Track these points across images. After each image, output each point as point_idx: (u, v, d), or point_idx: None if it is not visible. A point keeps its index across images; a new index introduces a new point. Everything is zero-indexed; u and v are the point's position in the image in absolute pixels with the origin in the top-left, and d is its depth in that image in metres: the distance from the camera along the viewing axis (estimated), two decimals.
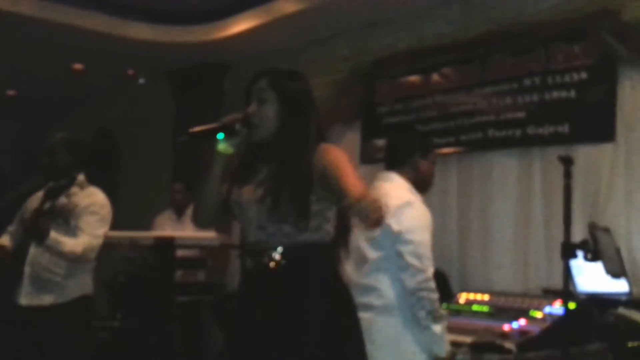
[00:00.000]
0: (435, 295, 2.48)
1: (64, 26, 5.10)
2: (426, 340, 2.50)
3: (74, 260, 3.06)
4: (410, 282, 2.46)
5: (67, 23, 5.10)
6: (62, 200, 3.11)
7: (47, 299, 3.09)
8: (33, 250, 3.11)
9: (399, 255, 2.49)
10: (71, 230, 3.08)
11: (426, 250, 2.50)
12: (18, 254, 3.21)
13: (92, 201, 3.15)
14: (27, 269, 3.12)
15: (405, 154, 2.72)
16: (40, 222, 2.98)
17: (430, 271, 2.49)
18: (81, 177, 3.21)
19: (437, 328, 2.48)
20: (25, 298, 3.11)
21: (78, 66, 6.05)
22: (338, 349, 1.92)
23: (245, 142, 2.01)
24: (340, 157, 1.92)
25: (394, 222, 2.50)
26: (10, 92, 6.97)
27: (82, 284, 3.17)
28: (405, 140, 2.84)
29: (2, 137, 8.45)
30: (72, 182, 3.15)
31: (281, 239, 1.93)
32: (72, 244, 3.03)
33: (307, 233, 1.93)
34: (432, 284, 2.48)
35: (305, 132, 1.97)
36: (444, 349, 2.51)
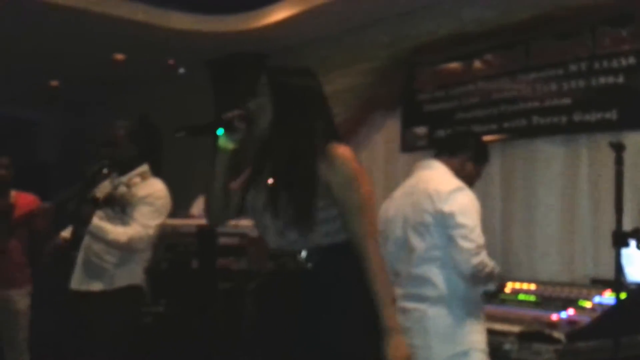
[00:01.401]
0: (490, 267, 2.48)
1: (105, 17, 5.17)
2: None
3: (120, 248, 3.05)
4: (467, 267, 2.43)
5: (109, 14, 5.16)
6: (122, 189, 3.10)
7: (95, 285, 3.11)
8: (87, 237, 3.15)
9: (451, 239, 2.46)
10: (127, 219, 3.06)
11: (479, 235, 2.47)
12: (76, 240, 3.27)
13: (148, 192, 3.10)
14: (80, 255, 3.16)
15: (461, 147, 2.72)
16: (83, 209, 2.99)
17: (484, 253, 2.47)
18: (143, 168, 3.18)
19: (492, 285, 2.56)
20: (76, 282, 3.16)
21: (119, 56, 6.13)
22: (357, 349, 1.89)
23: (246, 138, 1.97)
24: (349, 181, 1.88)
25: (446, 207, 2.48)
26: (54, 83, 7.10)
27: (132, 274, 3.14)
28: (467, 137, 2.86)
29: (46, 127, 8.65)
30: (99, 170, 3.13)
31: (303, 245, 1.91)
32: (117, 232, 3.02)
33: (330, 236, 1.91)
34: (486, 259, 2.47)
35: (303, 130, 1.92)
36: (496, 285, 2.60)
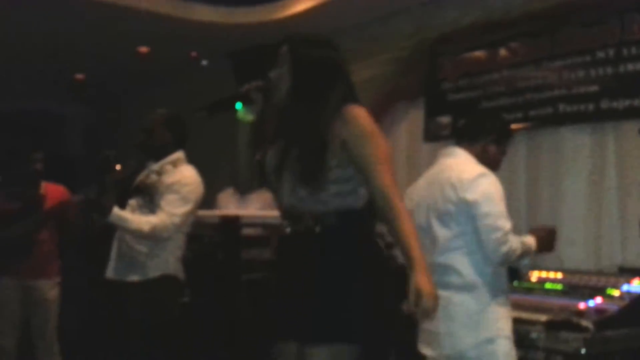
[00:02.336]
0: (519, 250, 2.48)
1: (130, 10, 5.21)
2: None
3: (144, 238, 3.03)
4: (496, 255, 2.42)
5: (133, 7, 5.20)
6: (153, 177, 3.09)
7: (128, 275, 3.12)
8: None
9: (478, 230, 2.45)
10: (155, 208, 3.04)
11: (505, 221, 2.45)
12: (109, 230, 3.30)
13: (175, 180, 3.07)
14: (114, 244, 3.17)
15: (481, 133, 2.68)
16: (103, 199, 2.98)
17: (512, 238, 2.46)
18: (177, 155, 3.16)
19: (525, 260, 2.57)
20: (111, 272, 3.18)
21: (144, 49, 6.17)
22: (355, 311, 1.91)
23: (265, 107, 2.04)
24: (365, 135, 1.91)
25: (469, 195, 2.46)
26: (79, 76, 7.18)
27: (164, 263, 3.11)
28: (486, 120, 2.80)
29: (72, 121, 8.76)
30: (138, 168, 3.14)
31: (314, 204, 1.94)
32: (140, 221, 3.00)
33: (340, 198, 1.94)
34: (515, 244, 2.46)
35: (317, 96, 1.97)
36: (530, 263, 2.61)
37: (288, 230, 2.02)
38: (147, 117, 3.22)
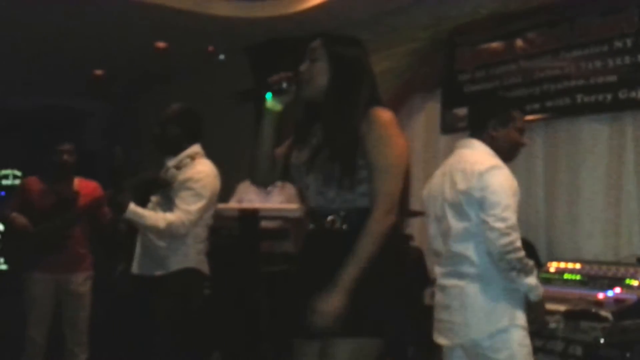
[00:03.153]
0: (521, 253, 2.40)
1: (147, 5, 5.25)
2: (523, 291, 2.45)
3: (160, 234, 3.05)
4: (495, 246, 2.38)
5: (151, 2, 5.23)
6: (172, 172, 3.10)
7: (151, 270, 3.15)
8: None
9: (482, 218, 2.42)
10: (172, 205, 3.06)
11: (511, 215, 2.41)
12: (122, 227, 3.36)
13: (189, 176, 3.07)
14: (139, 240, 3.21)
15: (482, 121, 2.65)
16: (120, 196, 2.99)
17: (515, 235, 2.40)
18: (194, 149, 3.17)
19: (531, 279, 2.43)
20: (136, 267, 3.22)
21: (161, 44, 6.22)
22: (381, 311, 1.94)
23: (295, 100, 2.04)
24: (383, 139, 1.92)
25: (479, 186, 2.45)
26: (98, 72, 7.25)
27: (185, 257, 3.12)
28: (482, 108, 2.76)
29: (92, 116, 8.85)
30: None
31: (341, 205, 1.96)
32: (156, 218, 3.01)
33: (367, 198, 1.95)
34: (518, 243, 2.40)
35: (352, 94, 1.99)
36: (538, 294, 2.46)
37: (312, 227, 2.03)
38: (161, 113, 3.24)
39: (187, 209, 3.02)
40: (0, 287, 5.19)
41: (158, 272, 3.13)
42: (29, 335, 3.92)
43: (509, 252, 2.37)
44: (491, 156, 2.58)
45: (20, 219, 3.88)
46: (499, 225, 2.38)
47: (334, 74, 2.00)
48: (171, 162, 3.14)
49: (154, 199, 3.17)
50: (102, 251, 4.44)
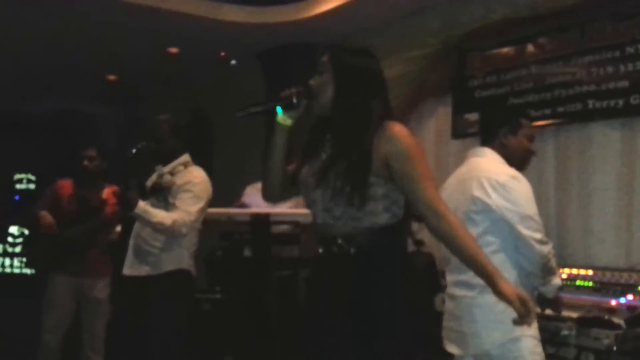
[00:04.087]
0: (552, 253, 2.48)
1: (160, 11, 5.29)
2: (550, 290, 2.53)
3: (165, 232, 3.18)
4: (540, 256, 2.42)
5: (163, 8, 5.28)
6: (167, 177, 3.25)
7: (144, 270, 3.26)
8: (137, 224, 3.30)
9: (518, 233, 2.43)
10: (170, 208, 3.21)
11: (540, 221, 2.46)
12: (127, 229, 3.42)
13: (187, 179, 3.25)
14: (131, 242, 3.33)
15: (493, 130, 2.65)
16: (129, 194, 3.12)
17: (549, 241, 2.48)
18: (185, 157, 3.35)
19: (559, 279, 2.52)
20: (128, 268, 3.32)
21: (174, 50, 6.26)
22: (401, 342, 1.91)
23: (305, 114, 2.02)
24: (410, 152, 1.90)
25: (499, 199, 2.45)
26: (111, 77, 7.31)
27: (178, 258, 3.27)
28: (492, 116, 2.77)
29: (104, 120, 8.91)
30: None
31: (347, 222, 1.93)
32: (162, 215, 3.15)
33: (374, 216, 1.92)
34: (550, 246, 2.47)
35: (362, 107, 1.96)
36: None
37: (321, 252, 2.01)
38: (153, 124, 3.36)
39: (187, 210, 3.19)
40: (23, 291, 5.25)
41: (151, 272, 3.24)
42: (43, 339, 3.95)
43: (550, 259, 2.45)
44: (505, 165, 2.58)
45: (47, 218, 3.92)
46: (538, 236, 2.43)
47: (339, 86, 1.97)
48: (166, 169, 3.28)
49: (147, 202, 3.25)
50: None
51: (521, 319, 1.81)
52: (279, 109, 2.00)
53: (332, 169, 1.94)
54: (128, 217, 3.30)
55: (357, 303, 1.91)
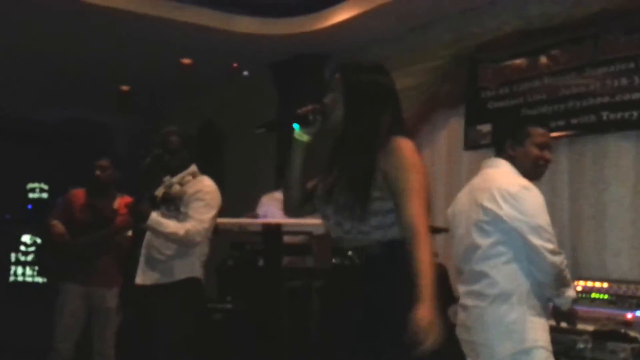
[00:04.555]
0: (564, 264, 2.48)
1: (173, 22, 5.34)
2: (564, 302, 2.53)
3: (178, 242, 3.21)
4: (552, 267, 2.41)
5: (176, 19, 5.32)
6: (176, 187, 3.27)
7: (155, 278, 3.29)
8: (148, 234, 3.33)
9: (530, 244, 2.42)
10: (182, 217, 3.23)
11: (552, 231, 2.45)
12: (139, 238, 3.44)
13: (198, 188, 3.29)
14: (143, 251, 3.36)
15: (500, 142, 2.65)
16: (142, 206, 3.17)
17: (562, 252, 2.47)
18: (193, 168, 3.39)
19: (573, 291, 2.51)
20: (139, 277, 3.34)
21: (187, 61, 6.30)
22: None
23: (320, 132, 2.07)
24: (406, 165, 1.91)
25: (511, 210, 2.44)
26: (125, 88, 7.36)
27: (189, 267, 3.30)
28: (499, 128, 2.77)
29: (117, 131, 8.97)
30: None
31: (356, 236, 1.97)
32: (175, 226, 3.18)
33: (383, 230, 1.95)
34: (563, 255, 2.47)
35: (369, 123, 1.99)
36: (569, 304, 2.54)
37: (335, 262, 2.05)
38: (164, 136, 3.40)
39: (201, 219, 3.22)
40: (34, 299, 5.27)
41: (163, 281, 3.27)
42: (55, 349, 3.96)
43: (562, 269, 2.44)
44: (517, 175, 2.57)
45: (58, 227, 3.95)
46: (550, 246, 2.41)
47: (348, 102, 2.01)
48: (175, 179, 3.31)
49: (157, 212, 3.28)
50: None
51: (414, 344, 1.76)
52: (296, 126, 2.05)
53: (336, 184, 2.00)
54: (140, 229, 3.34)
55: (363, 313, 1.93)
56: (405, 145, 1.96)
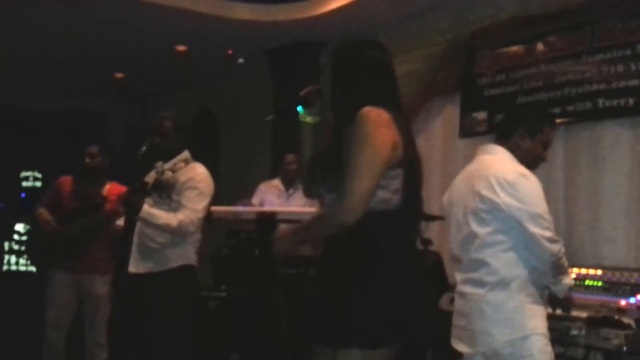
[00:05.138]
0: (563, 255, 2.49)
1: (168, 9, 5.30)
2: (562, 290, 2.54)
3: (172, 233, 3.20)
4: (550, 254, 2.42)
5: (171, 5, 5.28)
6: (168, 174, 3.23)
7: (148, 267, 3.28)
8: (140, 222, 3.31)
9: (528, 231, 2.42)
10: (174, 205, 3.22)
11: (550, 219, 2.45)
12: (131, 226, 3.42)
13: (190, 176, 3.26)
14: (135, 239, 3.34)
15: (511, 127, 2.63)
16: (133, 197, 3.16)
17: (560, 240, 2.48)
18: (185, 154, 3.34)
19: (570, 279, 2.53)
20: (132, 266, 3.33)
21: (181, 47, 6.26)
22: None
23: (322, 112, 2.14)
24: (355, 141, 1.88)
25: (509, 198, 2.43)
26: (119, 75, 7.32)
27: (183, 254, 3.30)
28: (515, 114, 2.75)
29: (113, 119, 8.94)
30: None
31: None
32: (167, 217, 3.17)
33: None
34: (563, 247, 2.48)
35: (343, 98, 2.02)
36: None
37: None
38: (157, 121, 3.39)
39: (194, 208, 3.21)
40: (28, 288, 5.26)
41: (157, 269, 3.26)
42: (47, 339, 3.95)
43: (560, 257, 2.44)
44: (515, 163, 2.56)
45: (44, 215, 3.93)
46: (548, 234, 2.42)
47: (334, 80, 2.05)
48: (167, 165, 3.26)
49: (149, 200, 3.26)
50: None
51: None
52: (299, 108, 2.14)
53: (312, 159, 2.12)
54: (131, 219, 3.31)
55: (330, 283, 1.97)
56: (365, 116, 1.90)
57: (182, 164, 3.28)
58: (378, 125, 1.89)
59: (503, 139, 2.63)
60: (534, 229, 2.40)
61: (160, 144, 3.33)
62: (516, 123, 2.63)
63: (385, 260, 1.93)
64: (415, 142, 2.03)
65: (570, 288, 2.56)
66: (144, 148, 3.29)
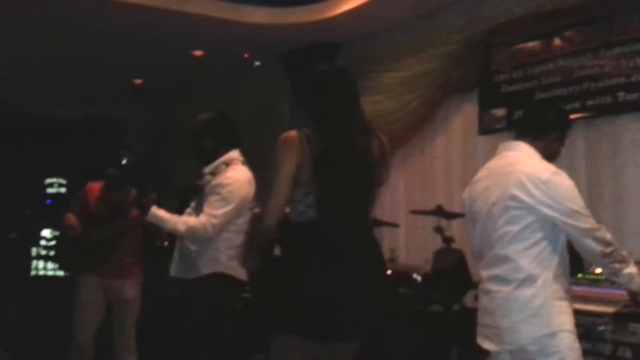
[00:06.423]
0: (616, 245, 2.47)
1: (183, 14, 5.35)
2: (624, 282, 2.51)
3: (182, 238, 3.17)
4: (599, 246, 2.43)
5: (186, 11, 5.33)
6: (207, 178, 3.19)
7: (184, 272, 3.26)
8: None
9: (567, 229, 2.43)
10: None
11: (588, 213, 2.46)
12: (147, 231, 3.46)
13: (219, 181, 3.15)
14: (177, 243, 3.32)
15: (545, 129, 2.61)
16: (143, 200, 3.14)
17: (603, 228, 2.48)
18: (230, 155, 3.22)
19: (631, 269, 2.48)
20: (173, 270, 3.32)
21: (198, 52, 6.31)
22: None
23: None
24: (276, 160, 2.34)
25: (544, 196, 2.42)
26: (137, 81, 7.39)
27: (215, 262, 3.17)
28: (551, 115, 2.70)
29: (132, 124, 9.02)
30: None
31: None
32: (175, 222, 3.11)
33: (294, 215, 2.39)
34: (608, 236, 2.47)
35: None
36: (637, 283, 2.50)
37: None
38: (192, 125, 3.33)
39: (211, 213, 3.09)
40: (56, 293, 5.33)
41: (191, 275, 3.22)
42: (76, 342, 4.00)
43: (608, 244, 2.45)
44: (542, 161, 2.55)
45: (71, 219, 3.99)
46: (588, 226, 2.44)
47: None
48: (207, 169, 3.21)
49: (192, 204, 3.27)
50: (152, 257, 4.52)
51: None
52: None
53: None
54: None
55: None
56: (279, 140, 2.36)
57: (223, 167, 3.18)
58: (284, 148, 2.34)
59: (532, 137, 2.60)
60: (575, 225, 2.40)
61: (194, 148, 3.26)
62: (553, 125, 2.63)
63: (301, 265, 2.37)
64: (339, 156, 2.35)
65: (637, 282, 2.48)
66: (127, 160, 3.27)
